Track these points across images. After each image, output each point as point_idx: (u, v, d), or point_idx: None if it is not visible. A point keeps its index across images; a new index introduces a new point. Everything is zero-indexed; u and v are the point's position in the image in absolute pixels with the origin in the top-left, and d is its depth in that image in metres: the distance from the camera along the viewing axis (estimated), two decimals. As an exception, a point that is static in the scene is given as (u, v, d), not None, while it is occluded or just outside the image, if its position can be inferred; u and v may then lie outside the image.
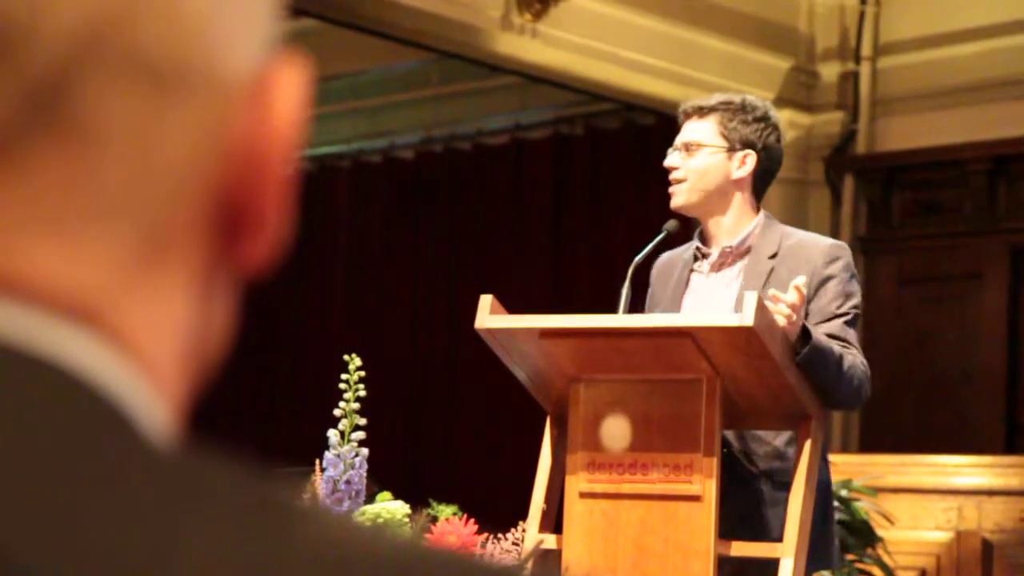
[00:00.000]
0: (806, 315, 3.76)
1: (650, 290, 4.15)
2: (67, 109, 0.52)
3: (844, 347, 3.77)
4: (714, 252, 4.02)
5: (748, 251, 3.99)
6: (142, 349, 0.54)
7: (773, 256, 3.95)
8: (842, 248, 4.00)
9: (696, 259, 4.05)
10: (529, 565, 3.59)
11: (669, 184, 4.04)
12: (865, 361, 3.83)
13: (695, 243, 4.07)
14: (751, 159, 4.01)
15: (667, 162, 4.03)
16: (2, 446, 0.48)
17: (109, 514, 0.48)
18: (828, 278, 3.87)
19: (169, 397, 0.55)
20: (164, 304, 0.55)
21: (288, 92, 0.57)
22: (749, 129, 4.03)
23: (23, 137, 0.51)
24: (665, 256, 4.16)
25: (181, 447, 0.52)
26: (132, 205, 0.53)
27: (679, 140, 4.05)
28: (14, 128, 0.51)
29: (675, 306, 3.99)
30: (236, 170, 0.55)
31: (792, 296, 3.62)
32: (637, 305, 4.07)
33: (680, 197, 4.02)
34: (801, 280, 3.67)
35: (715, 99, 4.09)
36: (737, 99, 4.08)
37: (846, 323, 3.85)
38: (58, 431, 0.49)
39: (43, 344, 0.51)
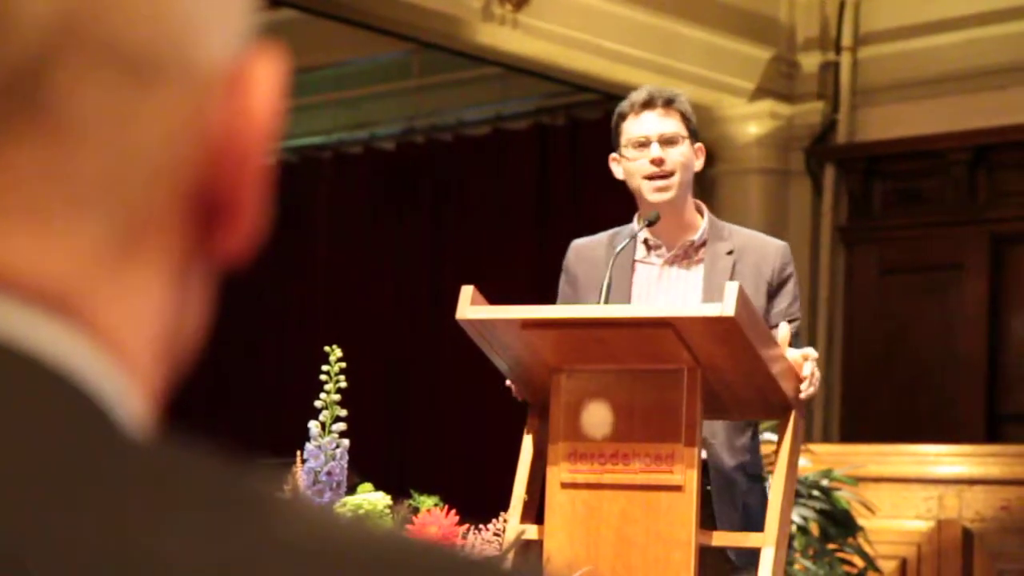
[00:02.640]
0: (766, 315, 3.83)
1: (569, 275, 4.08)
2: (43, 97, 0.51)
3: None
4: (665, 246, 3.99)
5: (703, 245, 3.98)
6: (118, 339, 0.53)
7: (730, 252, 3.95)
8: (788, 248, 4.03)
9: (643, 250, 4.02)
10: (510, 556, 3.59)
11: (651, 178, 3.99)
12: None
13: (637, 234, 4.01)
14: (701, 152, 4.05)
15: (655, 154, 3.96)
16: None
17: (85, 507, 0.48)
18: (786, 280, 3.92)
19: (145, 387, 0.55)
20: (140, 294, 0.54)
21: (265, 82, 0.57)
22: (694, 121, 4.04)
23: (-3, 125, 0.51)
24: (581, 242, 4.10)
25: (158, 439, 0.51)
26: (108, 194, 0.53)
27: (654, 131, 3.98)
28: (-12, 116, 0.51)
29: (624, 296, 3.95)
30: (212, 160, 0.55)
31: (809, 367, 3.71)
32: (557, 288, 4.07)
33: (672, 191, 3.95)
34: (814, 353, 3.75)
35: (668, 90, 4.04)
36: (676, 90, 4.08)
37: (796, 329, 3.92)
38: (33, 423, 0.49)
39: (18, 334, 0.51)
